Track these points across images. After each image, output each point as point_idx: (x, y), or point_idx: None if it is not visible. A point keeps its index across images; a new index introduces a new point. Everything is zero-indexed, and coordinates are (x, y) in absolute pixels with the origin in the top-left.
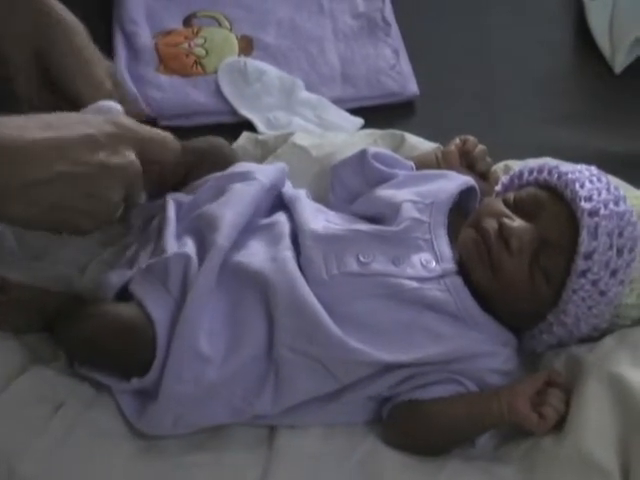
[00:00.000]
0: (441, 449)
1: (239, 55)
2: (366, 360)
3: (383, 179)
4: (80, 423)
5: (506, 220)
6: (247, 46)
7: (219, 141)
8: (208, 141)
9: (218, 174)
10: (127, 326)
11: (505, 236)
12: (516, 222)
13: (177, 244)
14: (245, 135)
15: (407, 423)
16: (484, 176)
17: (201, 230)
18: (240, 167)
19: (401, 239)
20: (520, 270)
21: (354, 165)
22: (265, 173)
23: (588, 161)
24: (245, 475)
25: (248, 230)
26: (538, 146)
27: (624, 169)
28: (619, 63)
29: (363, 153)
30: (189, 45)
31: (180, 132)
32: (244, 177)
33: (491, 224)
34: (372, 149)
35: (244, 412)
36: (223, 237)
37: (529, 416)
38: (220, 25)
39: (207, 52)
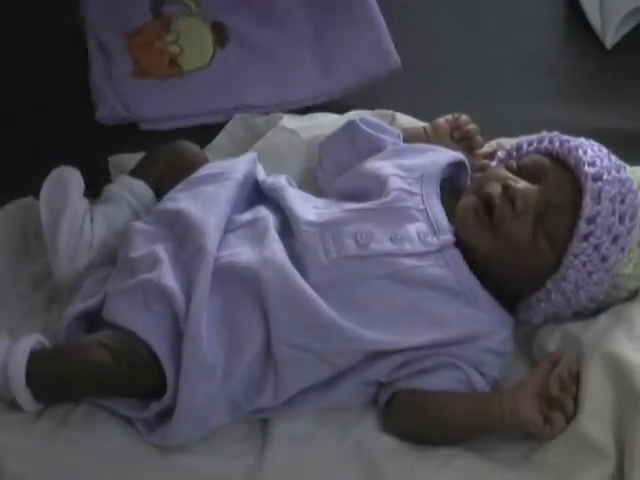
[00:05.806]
0: (440, 443)
1: (214, 48)
2: (364, 345)
3: (372, 146)
4: (70, 419)
5: (511, 182)
6: (221, 37)
7: (181, 145)
8: (170, 147)
9: (190, 177)
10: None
11: (511, 197)
12: (521, 184)
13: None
14: (234, 120)
15: (406, 416)
16: (474, 154)
17: (178, 229)
18: (210, 168)
19: (393, 209)
20: (523, 232)
21: (341, 136)
22: (236, 168)
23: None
24: (239, 463)
25: (228, 229)
26: (530, 124)
27: (617, 146)
28: (610, 38)
29: (350, 122)
30: (162, 42)
31: (163, 135)
32: (216, 179)
33: (494, 188)
34: (359, 117)
35: (245, 409)
36: (212, 243)
37: (533, 419)
38: (191, 12)
39: (182, 49)
